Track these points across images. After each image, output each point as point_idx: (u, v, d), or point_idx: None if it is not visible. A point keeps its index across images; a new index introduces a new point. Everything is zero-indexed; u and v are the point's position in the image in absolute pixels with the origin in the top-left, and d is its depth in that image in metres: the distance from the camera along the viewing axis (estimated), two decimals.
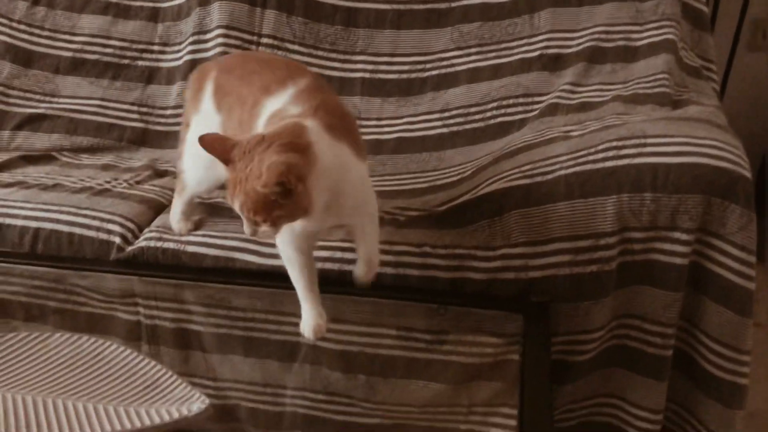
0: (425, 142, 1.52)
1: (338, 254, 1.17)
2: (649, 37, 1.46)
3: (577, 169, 1.13)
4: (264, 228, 0.84)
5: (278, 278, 1.09)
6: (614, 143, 1.13)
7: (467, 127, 1.50)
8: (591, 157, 1.13)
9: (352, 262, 1.14)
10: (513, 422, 1.21)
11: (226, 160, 0.84)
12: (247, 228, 0.86)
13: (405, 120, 1.56)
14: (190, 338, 1.27)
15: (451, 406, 1.23)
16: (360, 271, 1.05)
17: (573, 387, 1.19)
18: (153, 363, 0.94)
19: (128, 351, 0.96)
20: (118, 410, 0.86)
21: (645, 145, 1.12)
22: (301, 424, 1.29)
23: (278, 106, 0.94)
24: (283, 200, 0.81)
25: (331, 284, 1.11)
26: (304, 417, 1.29)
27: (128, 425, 0.83)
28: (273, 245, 1.18)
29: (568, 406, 1.22)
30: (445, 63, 1.59)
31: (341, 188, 0.89)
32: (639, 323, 1.15)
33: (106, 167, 1.55)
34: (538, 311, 1.09)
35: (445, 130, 1.52)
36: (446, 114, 1.53)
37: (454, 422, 1.25)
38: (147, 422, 0.83)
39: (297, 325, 1.06)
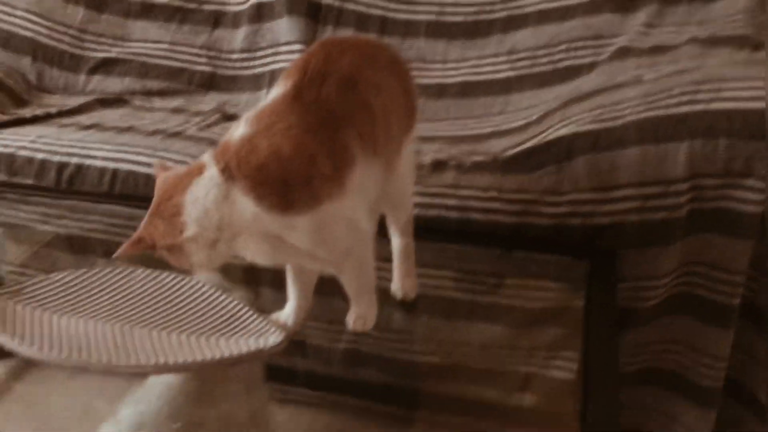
0: (491, 85, 1.50)
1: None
2: None
3: (649, 114, 1.11)
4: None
5: None
6: (689, 87, 1.10)
7: (535, 70, 1.48)
8: (664, 102, 1.11)
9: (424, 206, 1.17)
10: (574, 366, 1.23)
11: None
12: None
13: (470, 63, 1.54)
14: (259, 275, 1.31)
15: (512, 349, 1.26)
16: (349, 318, 0.95)
17: (636, 333, 1.19)
18: (231, 298, 0.98)
19: (207, 286, 1.01)
20: (199, 341, 0.91)
21: (721, 89, 1.08)
22: (364, 361, 1.34)
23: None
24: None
25: None
26: (367, 354, 1.33)
27: (208, 355, 0.87)
28: None
29: (630, 350, 1.22)
30: (512, 4, 1.55)
31: (253, 241, 0.80)
32: (707, 271, 1.14)
33: (176, 111, 1.59)
34: (605, 258, 1.09)
35: (511, 73, 1.50)
36: (513, 57, 1.51)
37: (515, 364, 1.28)
38: (226, 353, 0.88)
39: None
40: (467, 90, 1.51)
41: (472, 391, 1.29)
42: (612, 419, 0.82)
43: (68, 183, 1.36)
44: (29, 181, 1.37)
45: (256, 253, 0.82)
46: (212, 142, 1.40)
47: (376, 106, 0.84)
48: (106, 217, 1.37)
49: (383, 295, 1.21)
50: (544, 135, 1.21)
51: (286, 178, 0.76)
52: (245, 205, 0.76)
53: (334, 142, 0.80)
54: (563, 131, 1.18)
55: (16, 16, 1.72)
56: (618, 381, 0.90)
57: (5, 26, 1.71)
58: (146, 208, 1.30)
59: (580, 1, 1.49)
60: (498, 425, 1.32)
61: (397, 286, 1.04)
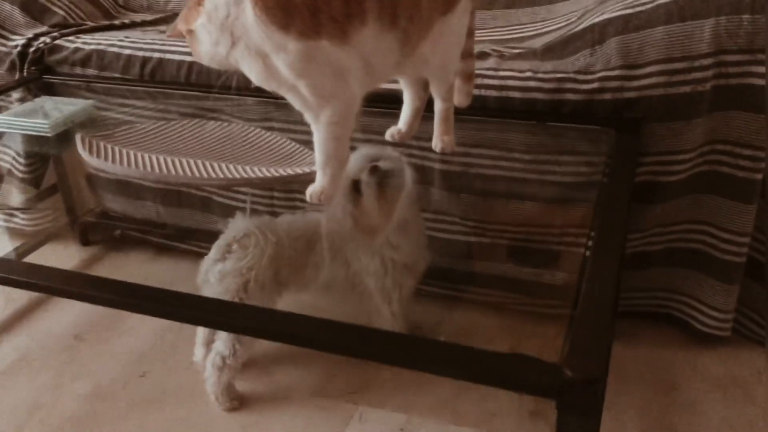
0: None
1: None
2: None
3: None
4: None
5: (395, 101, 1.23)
6: None
7: None
8: None
9: None
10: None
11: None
12: None
13: None
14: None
15: (543, 226, 1.35)
16: (309, 189, 0.96)
17: (662, 209, 1.27)
18: (291, 142, 1.12)
19: (271, 134, 1.15)
20: (260, 169, 1.04)
21: None
22: None
23: None
24: None
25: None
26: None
27: (267, 174, 1.01)
28: None
29: (656, 229, 1.30)
30: None
31: (248, 55, 0.86)
32: (731, 148, 1.21)
33: None
34: (630, 125, 1.18)
35: None
36: None
37: (546, 243, 1.37)
38: (284, 173, 1.01)
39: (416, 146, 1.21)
40: (513, 2, 1.61)
41: (499, 268, 1.39)
42: (607, 290, 0.76)
43: (150, 76, 1.52)
44: (116, 75, 1.54)
45: (250, 69, 0.88)
46: None
47: None
48: (183, 100, 1.51)
49: (424, 172, 1.31)
50: (580, 24, 1.30)
51: None
52: (249, 12, 0.83)
53: None
54: (597, 19, 1.27)
55: None
56: (623, 244, 0.86)
57: None
58: (224, 92, 1.46)
59: None
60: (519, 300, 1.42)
61: (436, 141, 1.15)
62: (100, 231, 1.78)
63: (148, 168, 1.02)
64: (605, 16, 1.26)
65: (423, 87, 1.14)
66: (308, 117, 0.94)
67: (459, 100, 1.17)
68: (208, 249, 1.26)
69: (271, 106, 1.43)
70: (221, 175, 1.00)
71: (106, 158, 1.05)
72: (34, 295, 1.61)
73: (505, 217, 1.36)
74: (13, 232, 1.77)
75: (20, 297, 1.60)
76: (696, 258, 1.31)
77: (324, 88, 0.89)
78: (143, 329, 1.47)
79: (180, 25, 0.91)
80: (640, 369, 1.33)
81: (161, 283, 1.59)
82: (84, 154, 1.07)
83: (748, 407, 1.22)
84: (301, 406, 1.25)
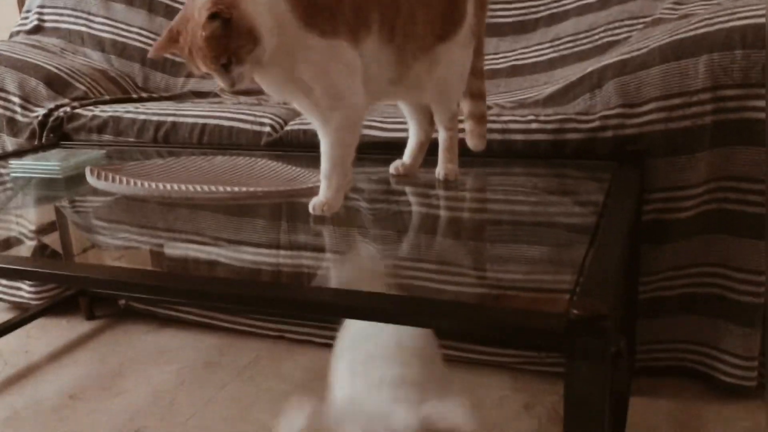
0: (536, 66, 1.66)
1: None
2: None
3: (671, 39, 1.23)
4: (236, 70, 0.86)
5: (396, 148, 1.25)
6: (707, 16, 1.23)
7: (576, 49, 1.63)
8: (684, 29, 1.23)
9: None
10: None
11: (174, 45, 0.88)
12: (222, 82, 0.89)
13: (518, 51, 1.72)
14: None
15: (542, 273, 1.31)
16: (313, 202, 0.98)
17: (673, 249, 1.25)
18: (296, 167, 1.13)
19: (277, 163, 1.16)
20: (264, 187, 1.05)
21: (736, 12, 1.20)
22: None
23: None
24: (227, 31, 0.83)
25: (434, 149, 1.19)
26: (417, 288, 1.40)
27: (278, 189, 1.01)
28: (395, 121, 1.36)
29: (668, 272, 1.27)
30: (555, 4, 1.74)
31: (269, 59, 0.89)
32: (736, 184, 1.20)
33: (259, 102, 1.81)
34: (632, 158, 1.19)
35: (555, 54, 1.66)
36: (556, 42, 1.67)
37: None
38: (288, 188, 1.02)
39: (405, 200, 1.22)
40: (515, 71, 1.68)
41: None
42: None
43: (164, 139, 1.57)
44: (131, 139, 1.59)
45: (267, 71, 0.91)
46: (289, 108, 1.59)
47: (402, 3, 0.98)
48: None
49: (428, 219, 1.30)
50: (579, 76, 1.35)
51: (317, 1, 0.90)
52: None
53: (361, 6, 0.94)
54: (594, 67, 1.31)
55: (131, 32, 2.03)
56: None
57: (122, 39, 2.03)
58: (230, 149, 1.50)
59: None
60: None
61: (440, 170, 1.16)
62: (107, 305, 1.77)
63: (153, 187, 1.03)
64: (602, 64, 1.30)
65: (428, 121, 1.17)
66: (317, 124, 0.97)
67: (473, 143, 1.18)
68: (213, 318, 1.25)
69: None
70: (224, 191, 1.00)
71: (113, 181, 1.07)
72: (33, 358, 1.57)
73: (505, 261, 1.33)
74: (18, 306, 1.76)
75: (17, 361, 1.56)
76: (713, 303, 1.27)
77: (338, 87, 0.94)
78: (141, 389, 1.41)
79: None
80: (663, 426, 1.25)
81: (164, 353, 1.58)
82: (92, 179, 1.08)
83: None
84: None
